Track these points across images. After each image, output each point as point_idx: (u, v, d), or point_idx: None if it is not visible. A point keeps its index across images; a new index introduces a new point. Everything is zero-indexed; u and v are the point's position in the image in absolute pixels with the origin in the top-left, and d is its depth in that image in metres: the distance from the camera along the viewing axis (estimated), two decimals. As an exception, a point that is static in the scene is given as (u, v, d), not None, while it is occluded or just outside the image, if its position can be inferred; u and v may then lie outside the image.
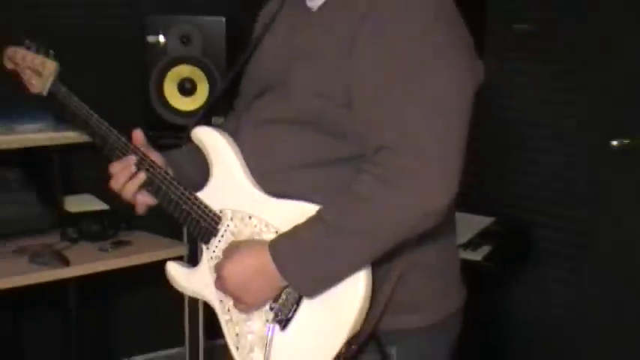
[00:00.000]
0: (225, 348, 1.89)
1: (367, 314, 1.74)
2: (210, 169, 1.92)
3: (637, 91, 3.09)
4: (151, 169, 1.93)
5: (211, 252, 1.90)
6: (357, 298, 1.72)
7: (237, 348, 1.86)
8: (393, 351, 1.81)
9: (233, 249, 1.81)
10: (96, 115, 1.99)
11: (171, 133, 2.78)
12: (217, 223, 1.88)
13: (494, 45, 3.51)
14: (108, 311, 3.99)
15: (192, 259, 2.18)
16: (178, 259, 2.11)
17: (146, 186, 1.93)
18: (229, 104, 2.11)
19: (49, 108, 2.10)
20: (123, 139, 1.96)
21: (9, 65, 2.07)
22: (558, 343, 3.47)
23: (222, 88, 2.12)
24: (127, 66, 3.68)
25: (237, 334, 1.86)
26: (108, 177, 1.96)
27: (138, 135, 1.97)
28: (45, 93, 2.04)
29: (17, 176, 3.35)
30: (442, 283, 1.89)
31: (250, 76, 1.98)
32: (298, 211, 1.75)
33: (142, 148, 1.96)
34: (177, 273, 1.99)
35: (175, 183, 1.92)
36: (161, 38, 3.53)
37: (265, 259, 1.73)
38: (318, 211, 1.72)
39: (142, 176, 1.92)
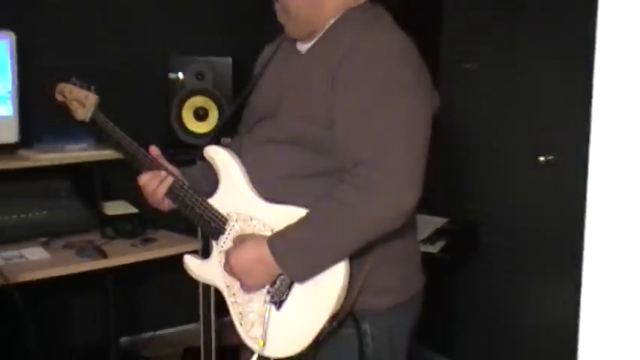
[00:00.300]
0: (231, 324, 1.88)
1: (345, 297, 1.74)
2: (219, 180, 1.91)
3: (557, 118, 3.10)
4: (182, 190, 1.92)
5: (220, 247, 1.89)
6: (338, 284, 1.72)
7: (241, 324, 1.85)
8: (366, 326, 1.80)
9: (240, 241, 1.81)
10: (128, 137, 1.98)
11: (187, 151, 2.75)
12: (225, 224, 1.87)
13: (447, 80, 3.51)
14: (137, 294, 3.98)
15: (204, 253, 2.16)
16: (193, 252, 2.09)
17: (167, 194, 1.92)
18: (235, 128, 2.10)
19: (91, 132, 2.10)
20: (149, 157, 1.96)
21: (59, 98, 2.07)
22: (499, 318, 3.47)
23: (229, 114, 2.11)
24: (153, 97, 3.67)
25: (240, 313, 1.85)
26: (137, 186, 1.95)
27: (154, 149, 1.97)
28: (87, 120, 2.03)
29: (66, 186, 3.34)
30: (406, 271, 1.89)
31: (251, 106, 1.98)
32: (289, 214, 1.75)
33: (160, 160, 1.96)
34: (192, 264, 1.97)
35: (191, 191, 1.91)
36: (180, 75, 3.53)
37: (264, 251, 1.73)
38: (307, 214, 1.72)
39: (168, 183, 1.92)
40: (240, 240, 1.81)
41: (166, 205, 1.95)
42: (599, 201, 0.92)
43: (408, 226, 1.80)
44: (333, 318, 1.74)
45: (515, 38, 3.30)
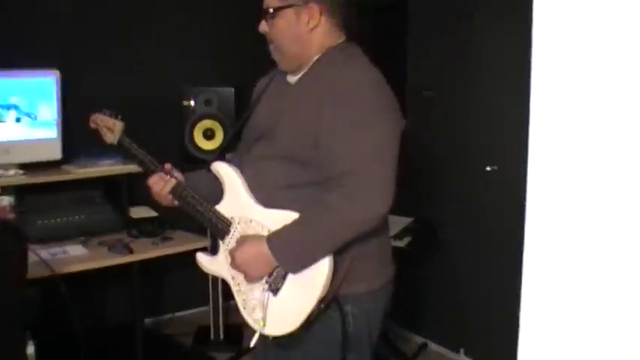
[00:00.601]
0: (236, 307, 1.87)
1: (330, 285, 1.73)
2: (224, 190, 1.90)
3: (501, 134, 3.11)
4: (185, 191, 1.92)
5: (226, 245, 1.87)
6: (324, 274, 1.71)
7: (245, 308, 1.84)
8: (348, 308, 1.80)
9: (243, 240, 1.80)
10: (149, 156, 1.98)
11: (198, 165, 2.73)
12: (229, 226, 1.86)
13: (411, 104, 3.52)
14: (158, 283, 3.98)
15: (213, 250, 2.15)
16: (204, 249, 2.08)
17: (171, 192, 1.92)
18: (236, 145, 2.09)
19: (118, 152, 2.10)
20: (160, 167, 1.96)
21: (92, 125, 2.07)
22: (456, 298, 3.47)
23: (232, 135, 2.10)
24: (170, 121, 3.66)
25: (243, 299, 1.84)
26: (148, 189, 1.97)
27: (168, 165, 1.97)
28: (115, 143, 2.03)
29: (99, 194, 3.36)
30: (380, 263, 1.88)
31: (250, 128, 1.97)
32: (283, 217, 1.74)
33: (169, 171, 1.96)
34: (203, 259, 1.96)
35: (202, 200, 1.90)
36: (192, 102, 3.53)
37: (264, 248, 1.73)
38: (300, 216, 1.71)
39: (173, 182, 1.92)
40: (243, 240, 1.81)
41: (169, 199, 1.94)
42: (537, 202, 0.94)
43: (381, 226, 1.80)
44: (321, 302, 1.74)
45: (464, 71, 3.32)
